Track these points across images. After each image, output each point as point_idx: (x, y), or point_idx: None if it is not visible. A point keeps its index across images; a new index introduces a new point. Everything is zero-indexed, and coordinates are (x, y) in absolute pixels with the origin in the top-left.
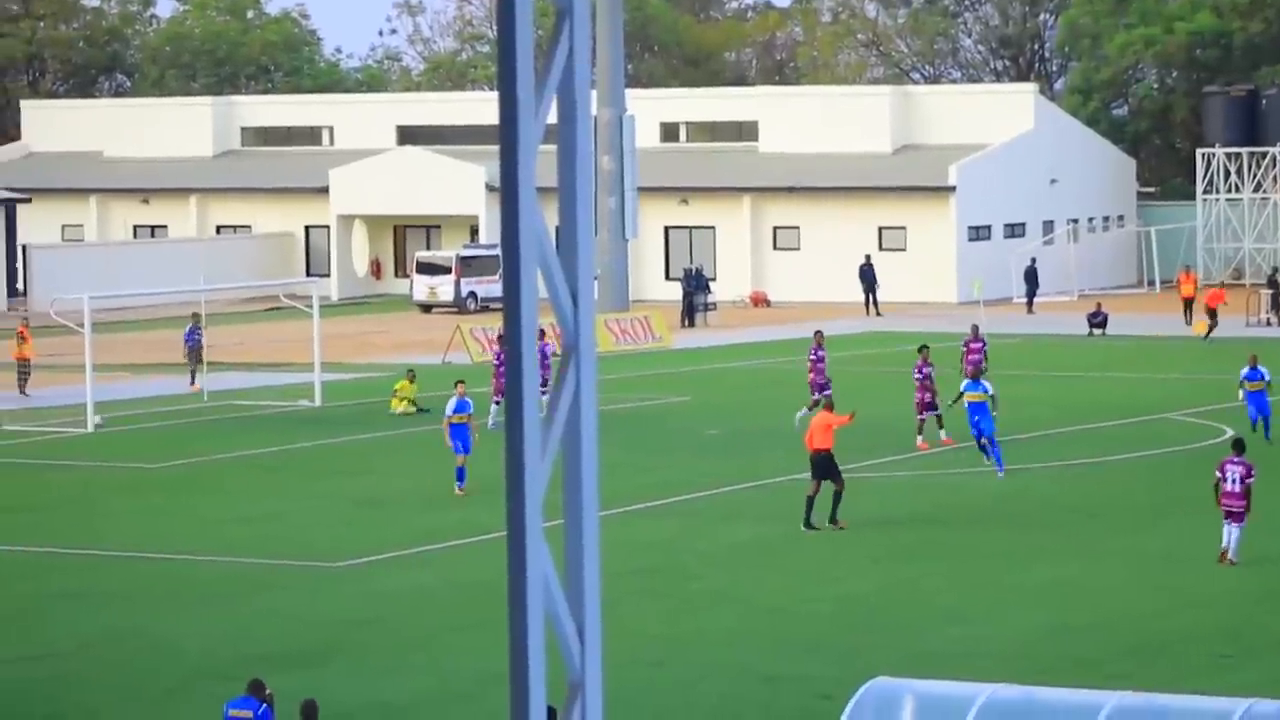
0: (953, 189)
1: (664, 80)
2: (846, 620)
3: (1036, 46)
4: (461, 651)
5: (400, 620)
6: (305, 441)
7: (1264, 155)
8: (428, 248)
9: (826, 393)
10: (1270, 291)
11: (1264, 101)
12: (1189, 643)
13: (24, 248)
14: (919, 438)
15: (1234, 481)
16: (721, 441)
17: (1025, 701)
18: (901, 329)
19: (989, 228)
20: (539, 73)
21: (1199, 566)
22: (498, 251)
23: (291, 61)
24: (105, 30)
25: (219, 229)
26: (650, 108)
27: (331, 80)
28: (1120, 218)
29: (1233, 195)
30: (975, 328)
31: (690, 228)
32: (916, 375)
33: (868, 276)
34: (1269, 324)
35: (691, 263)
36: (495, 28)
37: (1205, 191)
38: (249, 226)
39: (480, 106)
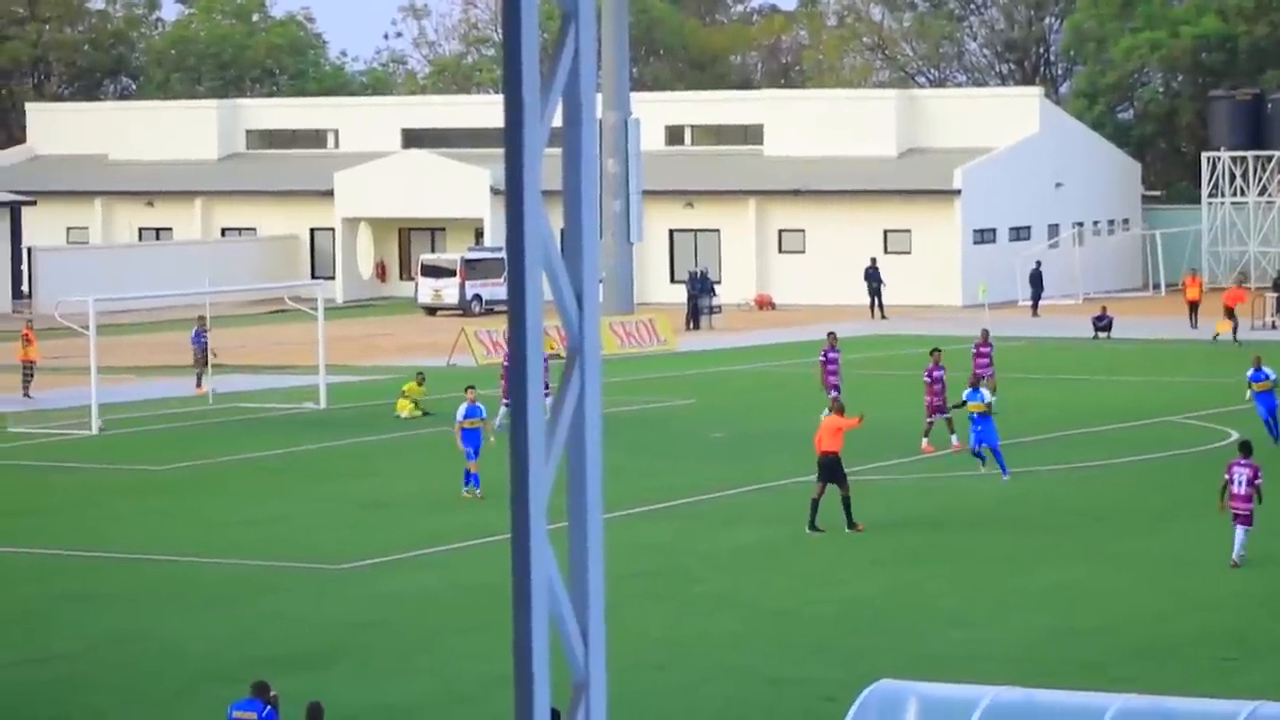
0: (958, 192)
1: (669, 83)
2: (851, 623)
3: (1042, 50)
4: (466, 654)
5: (405, 623)
6: (310, 444)
7: (1269, 159)
8: (433, 250)
9: (835, 395)
10: (1276, 295)
11: (1269, 105)
12: (1194, 646)
13: (29, 250)
14: (924, 440)
15: (1241, 484)
16: (726, 444)
17: (1029, 704)
18: (906, 332)
19: (994, 231)
20: (544, 76)
21: (1204, 569)
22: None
23: (297, 64)
24: (110, 33)
25: (224, 231)
26: (655, 111)
27: (337, 83)
28: (1125, 221)
29: (1238, 199)
30: (985, 332)
31: (695, 231)
32: (926, 378)
33: (873, 279)
34: (1274, 327)
35: (696, 266)
36: (500, 31)
37: (1210, 195)
38: (254, 229)
39: (485, 109)
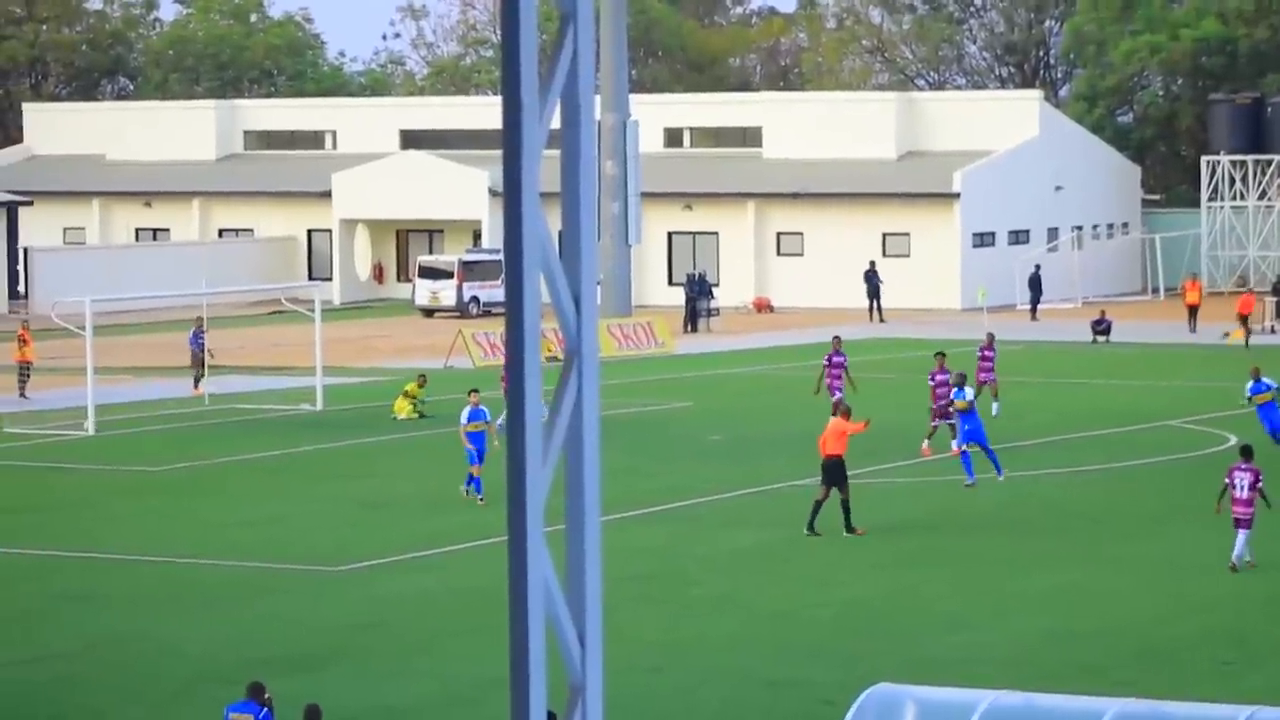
0: (957, 195)
1: (668, 85)
2: (848, 626)
3: (1041, 53)
4: (463, 656)
5: (402, 624)
6: (307, 445)
7: (1269, 163)
8: (430, 252)
9: (839, 398)
10: (1275, 299)
11: (1269, 109)
12: (1193, 649)
13: (26, 250)
14: (925, 443)
15: (1242, 488)
16: (724, 447)
17: (1027, 708)
18: (905, 335)
19: (993, 234)
20: (543, 77)
21: (1203, 573)
22: (500, 256)
23: (295, 65)
24: (108, 33)
25: (221, 232)
26: (654, 113)
27: (335, 84)
28: (1125, 225)
29: (1237, 203)
30: (990, 336)
31: (694, 233)
32: (931, 381)
33: (872, 282)
34: (1274, 331)
35: (695, 268)
36: (499, 32)
37: (1210, 199)
38: (251, 230)
39: (484, 111)
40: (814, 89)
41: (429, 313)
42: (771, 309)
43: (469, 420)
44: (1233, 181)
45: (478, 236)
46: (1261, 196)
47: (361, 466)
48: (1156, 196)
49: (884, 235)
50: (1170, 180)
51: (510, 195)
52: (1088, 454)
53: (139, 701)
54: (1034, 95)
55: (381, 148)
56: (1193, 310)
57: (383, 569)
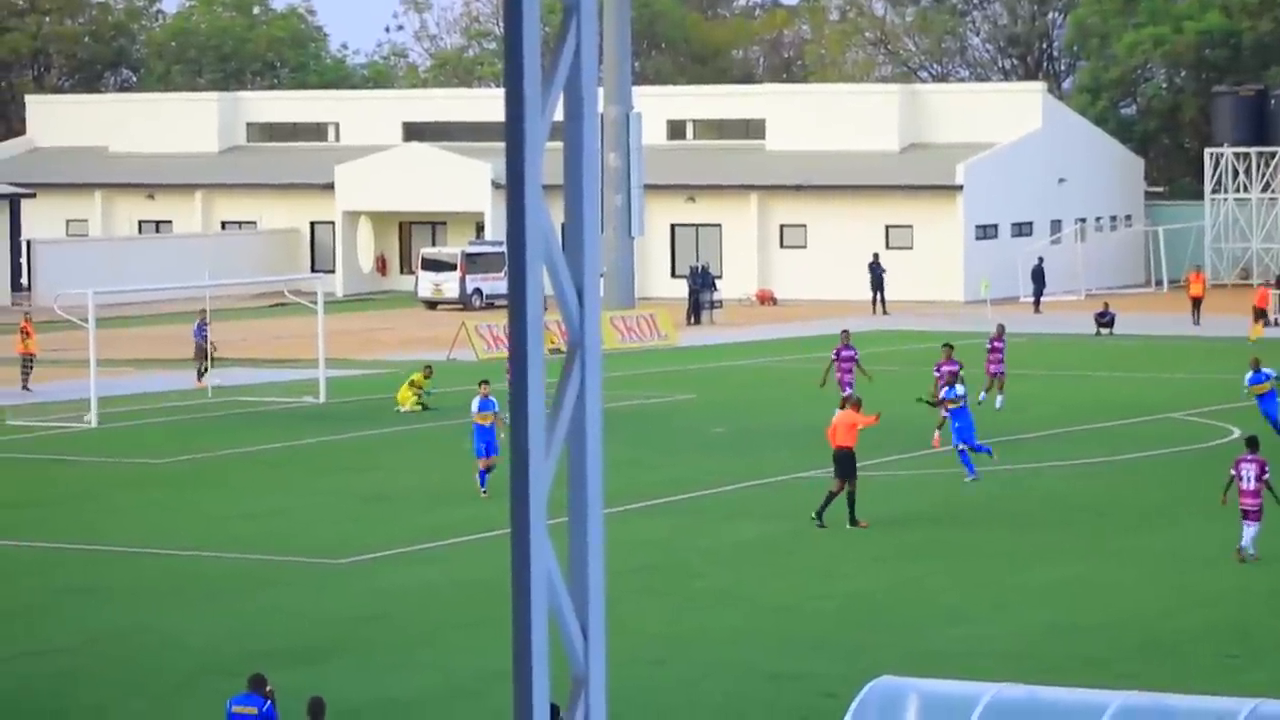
0: (960, 188)
1: (671, 77)
2: (851, 619)
3: (1045, 45)
4: (466, 648)
5: (405, 617)
6: (310, 438)
7: (1272, 155)
8: (433, 244)
9: (847, 391)
10: (1278, 291)
11: (1273, 101)
12: (1197, 642)
13: (28, 243)
14: (937, 433)
15: (1249, 479)
16: (727, 439)
17: (1030, 701)
18: (908, 327)
19: (996, 227)
20: (546, 69)
21: (1207, 566)
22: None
23: (298, 57)
24: (111, 25)
25: (224, 225)
26: (657, 105)
27: (337, 76)
28: (1128, 217)
29: (1241, 195)
30: (1001, 328)
31: (697, 225)
32: (936, 373)
33: (875, 274)
34: (1277, 324)
35: (698, 260)
36: (502, 24)
37: (1213, 191)
38: (254, 222)
39: (487, 103)
40: (817, 81)
41: (432, 305)
42: (774, 301)
43: (478, 411)
44: (1236, 174)
45: (481, 229)
46: (1265, 189)
47: (364, 459)
48: (1160, 189)
49: (887, 227)
50: (1173, 172)
51: (513, 187)
52: (1091, 447)
53: (141, 694)
54: (1037, 87)
55: (384, 140)
56: (1196, 303)
57: (386, 561)
